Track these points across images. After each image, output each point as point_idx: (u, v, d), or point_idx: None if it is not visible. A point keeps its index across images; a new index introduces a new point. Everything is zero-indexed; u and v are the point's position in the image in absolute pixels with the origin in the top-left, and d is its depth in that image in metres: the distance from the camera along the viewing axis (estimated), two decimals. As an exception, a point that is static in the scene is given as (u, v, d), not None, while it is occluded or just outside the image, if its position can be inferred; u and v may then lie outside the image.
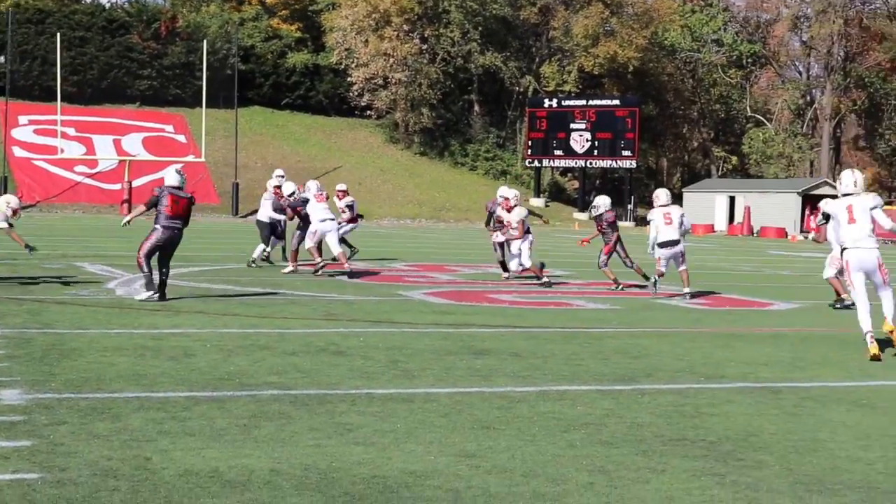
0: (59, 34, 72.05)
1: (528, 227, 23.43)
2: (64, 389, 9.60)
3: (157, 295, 17.31)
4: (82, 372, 10.50)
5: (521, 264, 23.04)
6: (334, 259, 23.66)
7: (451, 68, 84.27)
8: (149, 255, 17.42)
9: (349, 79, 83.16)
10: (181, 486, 6.68)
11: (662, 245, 21.19)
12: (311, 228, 23.53)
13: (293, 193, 24.50)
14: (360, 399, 9.62)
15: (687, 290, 21.12)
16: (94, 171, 70.17)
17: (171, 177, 17.97)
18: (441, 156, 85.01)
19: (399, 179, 79.51)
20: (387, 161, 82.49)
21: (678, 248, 21.18)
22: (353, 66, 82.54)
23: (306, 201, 23.72)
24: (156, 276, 17.60)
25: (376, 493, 6.67)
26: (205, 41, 74.61)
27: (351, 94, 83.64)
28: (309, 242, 23.47)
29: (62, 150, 68.92)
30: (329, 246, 23.47)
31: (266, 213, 26.00)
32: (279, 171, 27.15)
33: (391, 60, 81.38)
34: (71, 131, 73.32)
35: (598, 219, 23.18)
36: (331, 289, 20.54)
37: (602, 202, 23.36)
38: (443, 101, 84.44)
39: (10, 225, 19.10)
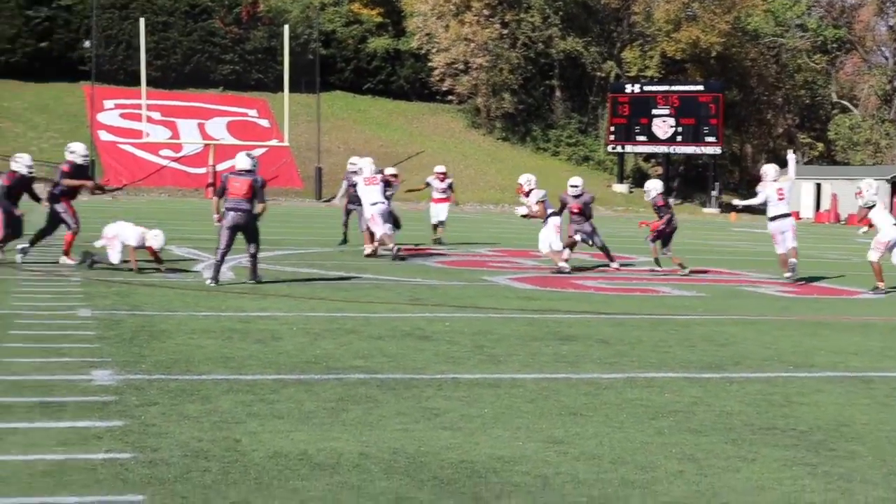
0: (142, 19, 72.73)
1: (551, 210, 23.13)
2: (154, 371, 9.69)
3: (214, 282, 17.38)
4: (171, 354, 10.60)
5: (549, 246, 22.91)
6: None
7: (532, 53, 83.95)
8: (224, 240, 17.50)
9: (430, 63, 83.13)
10: (271, 467, 6.72)
11: (774, 219, 21.57)
12: (367, 213, 23.58)
13: (354, 172, 24.84)
14: (446, 384, 9.63)
15: (794, 260, 21.06)
16: (179, 154, 70.79)
17: (240, 160, 18.02)
18: (523, 141, 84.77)
19: (481, 165, 79.40)
20: (468, 146, 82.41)
21: (789, 221, 21.50)
22: (433, 50, 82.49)
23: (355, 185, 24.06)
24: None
25: (464, 478, 6.66)
26: (286, 26, 74.89)
27: (432, 78, 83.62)
28: (378, 230, 23.42)
29: (147, 134, 69.54)
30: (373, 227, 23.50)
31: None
32: (353, 159, 26.96)
33: (472, 45, 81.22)
34: (156, 115, 73.98)
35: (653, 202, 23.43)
36: (415, 273, 20.57)
37: (653, 186, 23.83)
38: (524, 86, 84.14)
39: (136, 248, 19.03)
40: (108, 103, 75.93)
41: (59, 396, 8.48)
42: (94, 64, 72.97)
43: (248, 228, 17.57)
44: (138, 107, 70.63)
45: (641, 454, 7.43)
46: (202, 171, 68.06)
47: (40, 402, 8.27)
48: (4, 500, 5.90)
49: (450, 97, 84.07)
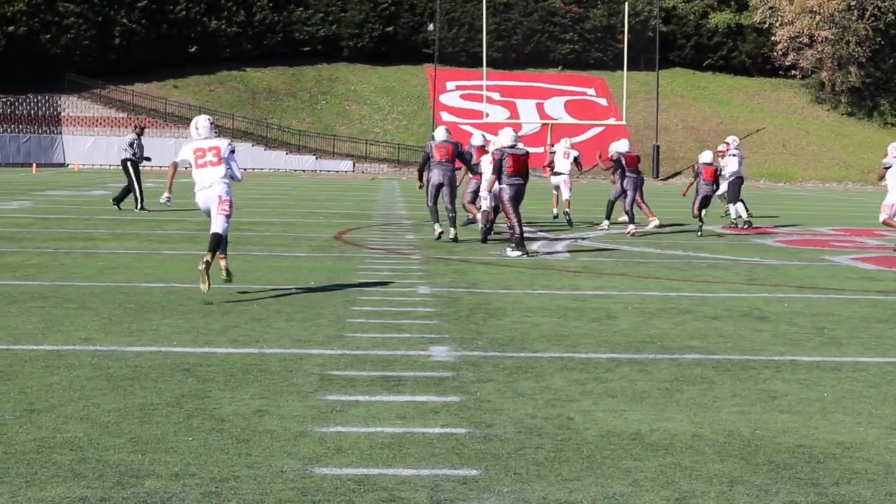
0: (484, 1, 73.97)
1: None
2: (490, 347, 9.85)
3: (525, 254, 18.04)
4: (507, 331, 10.75)
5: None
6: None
7: (881, 24, 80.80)
8: (515, 214, 18.21)
9: (773, 38, 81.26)
10: (603, 446, 6.72)
11: None
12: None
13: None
14: (784, 366, 9.40)
15: None
16: (517, 134, 71.72)
17: (505, 137, 18.82)
18: (870, 116, 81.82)
19: (824, 141, 77.21)
20: (811, 122, 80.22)
21: None
22: (776, 24, 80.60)
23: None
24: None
25: (801, 463, 6.49)
26: (626, 4, 74.72)
27: (775, 53, 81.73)
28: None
29: (487, 115, 70.78)
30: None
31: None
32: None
33: (817, 18, 78.92)
34: (496, 96, 75.23)
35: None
36: (753, 252, 20.20)
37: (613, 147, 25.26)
38: (872, 58, 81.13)
39: None
40: (450, 84, 77.70)
41: (399, 371, 8.73)
42: (437, 46, 74.69)
43: (519, 202, 18.67)
44: (479, 88, 72.03)
45: None
46: (540, 150, 68.79)
47: (381, 376, 8.53)
48: (346, 470, 6.12)
49: (793, 72, 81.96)
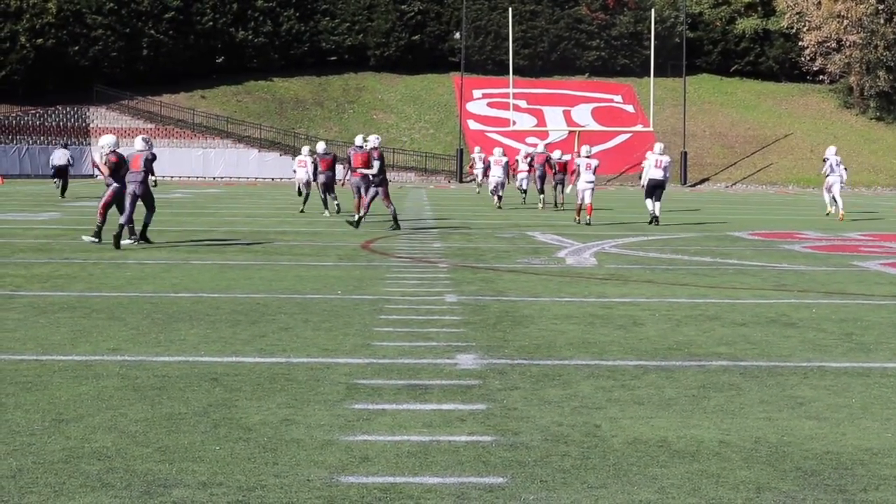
0: (510, 9, 73.99)
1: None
2: (516, 355, 9.85)
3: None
4: (534, 339, 10.74)
5: None
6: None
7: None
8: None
9: (800, 43, 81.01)
10: (630, 454, 6.71)
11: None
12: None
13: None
14: (812, 372, 9.37)
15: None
16: (544, 142, 71.71)
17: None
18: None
19: (853, 146, 76.84)
20: (840, 127, 79.86)
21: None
22: (804, 29, 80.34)
23: None
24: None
25: (829, 470, 6.46)
26: (652, 10, 74.62)
27: (802, 58, 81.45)
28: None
29: (514, 123, 70.75)
30: None
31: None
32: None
33: (845, 22, 78.63)
34: (522, 104, 75.18)
35: None
36: (781, 258, 20.12)
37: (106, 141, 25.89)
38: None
39: None
40: (477, 93, 77.76)
41: (426, 380, 8.74)
42: (464, 55, 74.75)
43: None
44: (506, 95, 72.03)
45: None
46: (567, 157, 68.78)
47: (407, 384, 8.54)
48: (372, 479, 6.12)
49: (821, 77, 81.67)
